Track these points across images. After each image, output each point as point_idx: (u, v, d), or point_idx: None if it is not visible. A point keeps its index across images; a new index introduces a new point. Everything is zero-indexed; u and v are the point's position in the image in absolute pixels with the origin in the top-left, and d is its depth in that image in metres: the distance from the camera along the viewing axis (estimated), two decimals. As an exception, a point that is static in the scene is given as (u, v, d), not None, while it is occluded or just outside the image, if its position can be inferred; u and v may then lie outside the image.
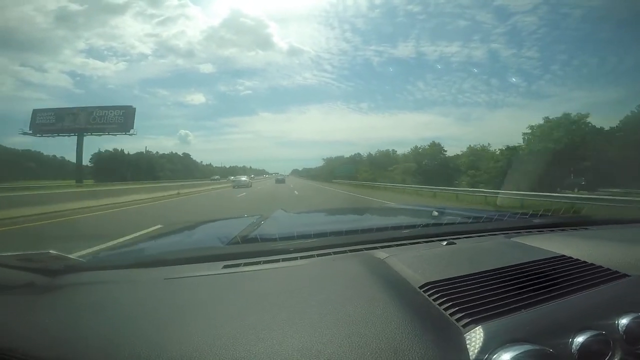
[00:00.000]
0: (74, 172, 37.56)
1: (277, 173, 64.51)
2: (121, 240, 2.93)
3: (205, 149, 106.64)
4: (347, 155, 56.21)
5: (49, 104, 69.53)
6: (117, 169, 43.19)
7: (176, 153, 62.94)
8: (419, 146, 37.03)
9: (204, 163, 77.12)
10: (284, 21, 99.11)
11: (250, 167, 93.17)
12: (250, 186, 25.82)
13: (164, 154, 60.37)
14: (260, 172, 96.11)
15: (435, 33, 63.16)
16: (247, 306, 0.61)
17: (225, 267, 0.83)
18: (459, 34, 57.56)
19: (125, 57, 70.69)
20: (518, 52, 44.65)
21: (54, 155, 46.96)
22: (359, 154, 55.40)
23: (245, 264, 0.84)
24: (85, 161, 45.89)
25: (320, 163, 68.86)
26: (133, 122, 33.09)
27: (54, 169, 40.47)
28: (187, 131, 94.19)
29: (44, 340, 0.55)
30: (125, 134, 33.43)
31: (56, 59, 64.92)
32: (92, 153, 48.53)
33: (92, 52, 75.37)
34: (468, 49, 53.95)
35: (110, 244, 2.40)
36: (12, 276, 0.74)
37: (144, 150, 55.29)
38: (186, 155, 67.19)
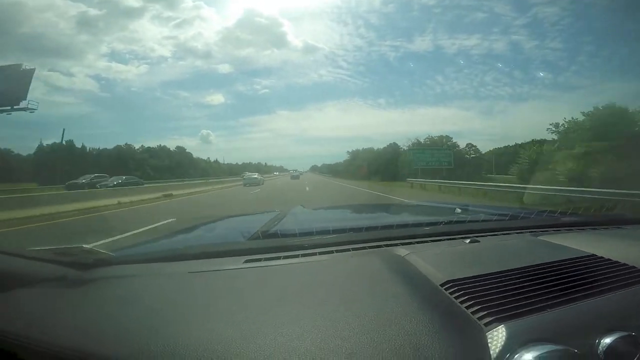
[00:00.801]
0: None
1: (296, 170, 64.77)
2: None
3: (226, 148, 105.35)
4: (376, 147, 45.02)
5: (78, 108, 69.68)
6: (67, 167, 32.26)
7: (164, 146, 49.51)
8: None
9: (211, 159, 65.35)
10: (297, 19, 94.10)
11: (266, 164, 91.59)
12: (262, 184, 24.45)
13: (149, 147, 47.21)
14: (277, 169, 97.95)
15: (453, 26, 57.53)
16: (267, 300, 0.62)
17: (247, 261, 0.85)
18: (477, 26, 52.46)
19: (146, 60, 68.99)
20: (541, 43, 40.38)
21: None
22: (394, 143, 42.84)
23: (266, 259, 0.85)
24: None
25: (341, 158, 60.85)
26: (26, 91, 18.31)
27: None
28: (208, 131, 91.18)
29: (74, 332, 0.57)
30: (13, 108, 18.62)
31: (81, 63, 64.37)
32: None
33: (114, 56, 75.48)
34: (488, 42, 49.96)
35: (140, 239, 2.07)
36: (46, 269, 0.77)
37: (123, 144, 43.29)
38: (180, 150, 53.47)
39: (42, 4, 61.66)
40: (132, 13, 79.50)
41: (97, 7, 67.76)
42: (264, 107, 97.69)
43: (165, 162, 46.52)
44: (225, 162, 67.67)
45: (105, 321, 0.60)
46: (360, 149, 49.98)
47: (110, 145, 44.01)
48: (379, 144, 48.35)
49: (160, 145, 50.39)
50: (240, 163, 73.92)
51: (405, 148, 38.90)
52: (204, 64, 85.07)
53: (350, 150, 53.47)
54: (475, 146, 37.58)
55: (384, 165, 36.29)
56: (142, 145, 48.20)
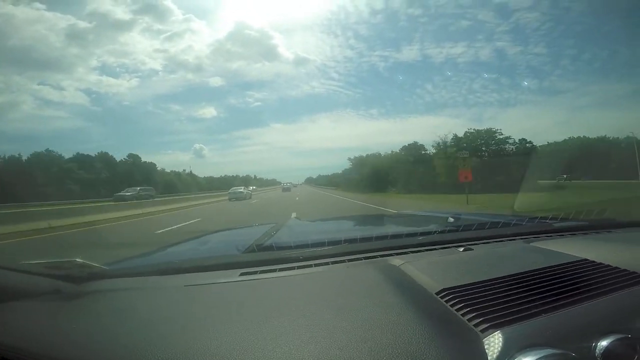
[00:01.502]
0: None
1: (290, 182, 65.17)
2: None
3: (220, 162, 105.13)
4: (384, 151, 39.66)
5: (70, 123, 70.69)
6: None
7: (106, 153, 36.83)
8: None
9: (185, 171, 56.87)
10: (287, 32, 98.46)
11: (255, 176, 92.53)
12: (250, 198, 24.26)
13: (82, 154, 35.03)
14: (269, 182, 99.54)
15: (439, 35, 60.41)
16: (264, 313, 0.63)
17: (242, 274, 0.86)
18: (462, 34, 52.55)
19: (137, 74, 68.86)
20: (525, 49, 39.09)
21: None
22: (415, 143, 34.66)
23: (262, 272, 0.87)
24: None
25: (338, 169, 61.08)
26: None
27: None
28: (201, 145, 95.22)
29: (69, 346, 0.58)
30: None
31: (72, 77, 64.81)
32: None
33: (105, 69, 75.44)
34: (474, 49, 48.03)
35: (134, 252, 1.65)
36: (40, 283, 0.78)
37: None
38: (134, 158, 40.19)
39: (31, 17, 60.23)
40: (122, 26, 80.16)
41: (87, 20, 69.49)
42: (257, 120, 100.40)
43: (103, 174, 33.36)
44: (206, 176, 64.87)
45: (100, 335, 0.61)
46: (364, 154, 44.11)
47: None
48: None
49: (101, 152, 37.30)
50: (222, 176, 71.33)
51: (432, 149, 29.72)
52: (196, 77, 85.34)
53: (352, 157, 46.84)
54: (530, 142, 27.89)
55: (404, 173, 28.26)
56: (78, 152, 35.15)
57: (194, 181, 54.89)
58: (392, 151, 36.71)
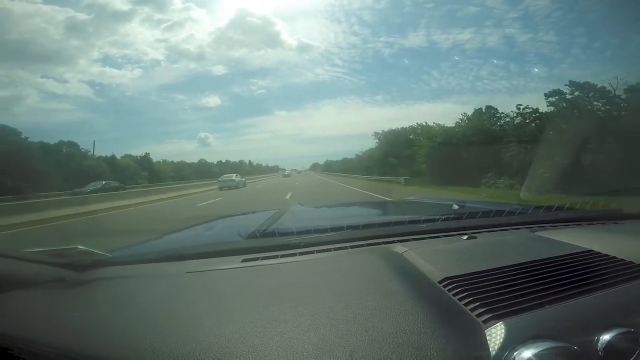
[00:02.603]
0: None
1: (295, 169, 78.67)
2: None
3: (226, 150, 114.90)
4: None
5: (75, 115, 69.50)
6: None
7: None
8: None
9: (145, 156, 46.43)
10: (290, 18, 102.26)
11: (250, 162, 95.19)
12: (244, 186, 25.04)
13: None
14: (271, 170, 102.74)
15: (446, 21, 54.84)
16: (265, 299, 0.69)
17: (245, 260, 0.93)
18: (470, 20, 51.02)
19: (139, 64, 72.70)
20: (535, 36, 42.88)
21: None
22: (480, 109, 22.58)
23: (264, 258, 0.94)
24: None
25: (347, 154, 58.95)
26: None
27: None
28: (206, 133, 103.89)
29: (72, 335, 0.63)
30: None
31: (74, 69, 65.97)
32: None
33: (107, 61, 80.00)
34: (482, 35, 52.64)
35: (137, 239, 1.89)
36: (43, 271, 0.83)
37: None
38: (10, 134, 20.94)
39: (29, 10, 63.45)
40: (121, 16, 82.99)
41: (85, 12, 71.51)
42: (261, 108, 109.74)
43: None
44: (176, 161, 58.85)
45: (103, 322, 0.67)
46: (395, 127, 36.76)
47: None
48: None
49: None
50: (200, 160, 65.94)
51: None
52: (198, 66, 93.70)
53: (380, 132, 38.99)
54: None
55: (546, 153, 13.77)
56: None
57: (143, 169, 36.61)
58: (464, 113, 24.08)
